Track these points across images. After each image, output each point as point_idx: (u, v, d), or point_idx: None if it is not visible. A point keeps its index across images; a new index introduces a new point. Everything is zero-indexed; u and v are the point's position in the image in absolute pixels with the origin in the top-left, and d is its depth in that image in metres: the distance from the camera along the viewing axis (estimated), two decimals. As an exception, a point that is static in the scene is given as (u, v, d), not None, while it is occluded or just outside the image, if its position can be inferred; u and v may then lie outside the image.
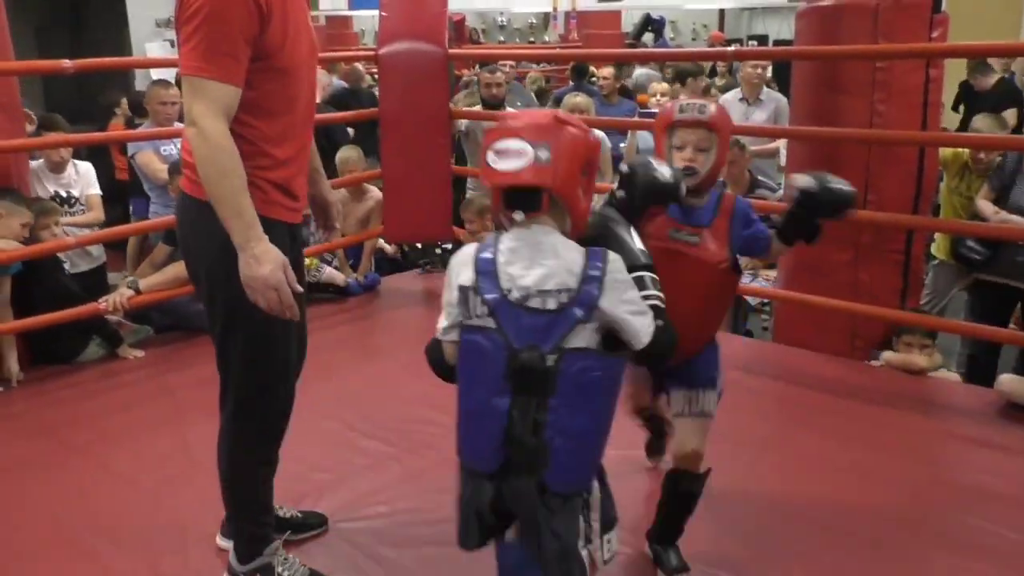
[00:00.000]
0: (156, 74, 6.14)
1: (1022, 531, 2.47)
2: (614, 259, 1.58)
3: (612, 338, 1.58)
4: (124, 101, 6.33)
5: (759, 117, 5.46)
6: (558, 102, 6.91)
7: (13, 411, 3.37)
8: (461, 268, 1.63)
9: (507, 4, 10.43)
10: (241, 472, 2.15)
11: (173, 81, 4.90)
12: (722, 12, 16.21)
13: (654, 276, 1.65)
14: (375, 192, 4.94)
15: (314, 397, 3.37)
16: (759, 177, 4.73)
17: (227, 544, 2.27)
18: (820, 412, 3.25)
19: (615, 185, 1.88)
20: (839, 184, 2.04)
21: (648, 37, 13.09)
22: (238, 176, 1.82)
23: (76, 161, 4.64)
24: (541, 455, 1.55)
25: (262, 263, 1.81)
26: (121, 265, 5.53)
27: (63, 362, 3.75)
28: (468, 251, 1.64)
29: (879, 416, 3.19)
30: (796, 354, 3.78)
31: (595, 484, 1.64)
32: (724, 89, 6.96)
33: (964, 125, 6.48)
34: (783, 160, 5.14)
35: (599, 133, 5.48)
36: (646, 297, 1.61)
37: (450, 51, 4.68)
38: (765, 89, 5.66)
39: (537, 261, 1.55)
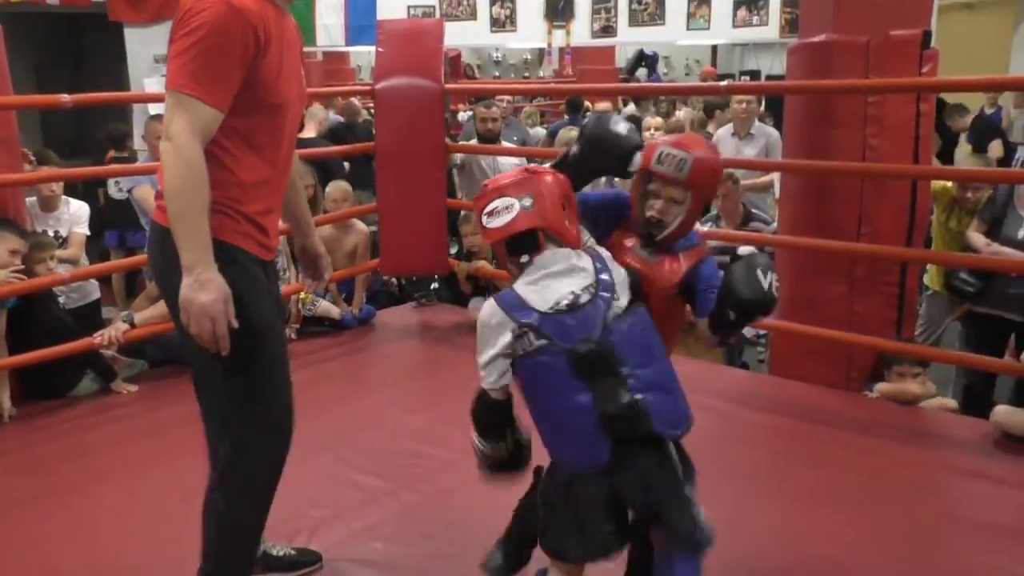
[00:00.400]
0: (154, 109, 6.19)
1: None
2: (606, 252, 1.87)
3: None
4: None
5: (750, 152, 5.50)
6: (553, 136, 6.97)
7: (5, 446, 3.34)
8: (498, 325, 1.77)
9: (502, 40, 10.53)
10: (239, 540, 2.06)
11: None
12: (715, 48, 16.39)
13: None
14: (360, 226, 4.97)
15: (308, 431, 3.35)
16: (753, 210, 4.75)
17: None
18: (817, 444, 3.24)
19: (574, 148, 1.99)
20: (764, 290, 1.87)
21: (642, 72, 13.21)
22: (201, 197, 1.79)
23: (70, 199, 4.65)
24: (642, 417, 1.71)
25: (206, 289, 1.77)
26: (113, 300, 5.53)
27: (56, 396, 3.73)
28: (491, 309, 1.78)
29: (876, 448, 3.18)
30: (792, 386, 3.78)
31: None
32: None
33: (943, 162, 6.52)
34: (777, 193, 5.17)
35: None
36: None
37: (446, 86, 4.73)
38: (756, 123, 5.71)
39: (557, 280, 1.77)
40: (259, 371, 1.97)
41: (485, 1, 9.52)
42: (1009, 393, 3.87)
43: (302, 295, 4.63)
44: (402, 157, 4.62)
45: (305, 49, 10.26)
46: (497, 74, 16.79)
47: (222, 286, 1.81)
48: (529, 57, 16.84)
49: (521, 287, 1.79)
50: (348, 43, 8.78)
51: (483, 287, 4.88)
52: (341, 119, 8.12)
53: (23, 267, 3.61)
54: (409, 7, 9.06)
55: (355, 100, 8.49)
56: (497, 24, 9.63)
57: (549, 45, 10.26)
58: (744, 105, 5.54)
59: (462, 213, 5.10)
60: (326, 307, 4.71)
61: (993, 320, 3.84)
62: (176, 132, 1.77)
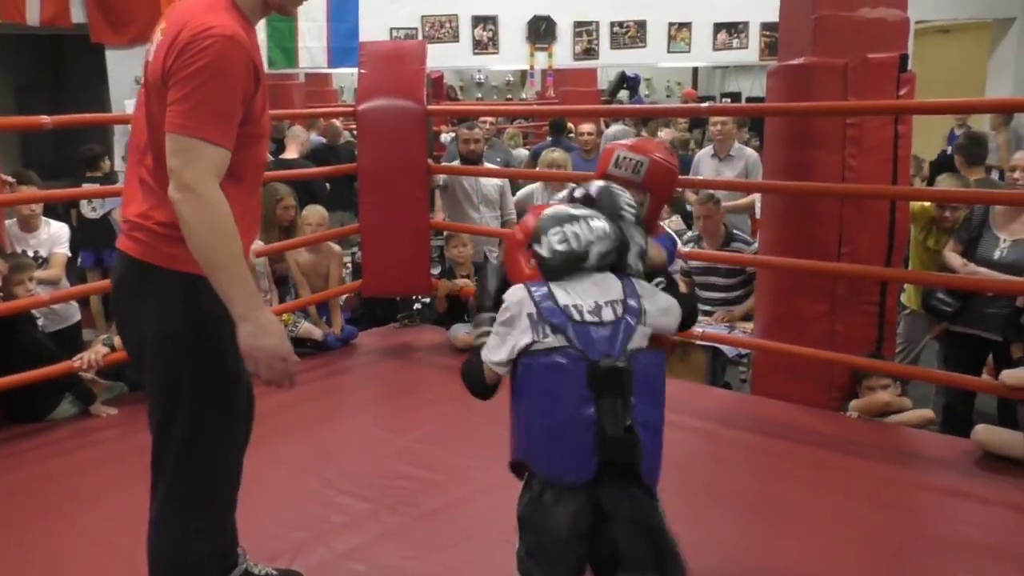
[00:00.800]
0: (135, 131, 6.17)
1: (1003, 582, 2.46)
2: (641, 281, 1.84)
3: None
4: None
5: (730, 173, 5.56)
6: (536, 157, 7.00)
7: (-18, 471, 3.30)
8: (522, 305, 1.77)
9: (485, 62, 10.59)
10: (204, 540, 1.99)
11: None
12: (695, 70, 16.55)
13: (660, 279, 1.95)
14: (335, 248, 4.97)
15: (291, 452, 3.34)
16: (734, 231, 4.79)
17: None
18: (798, 464, 3.24)
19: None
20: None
21: (624, 94, 13.32)
22: (237, 243, 1.74)
23: (50, 220, 4.63)
24: (636, 450, 1.71)
25: (269, 333, 1.74)
26: (94, 321, 5.49)
27: (34, 420, 3.69)
28: (520, 292, 1.79)
29: (857, 467, 3.19)
30: (774, 406, 3.79)
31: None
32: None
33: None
34: (759, 214, 5.21)
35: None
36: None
37: (428, 107, 4.75)
38: (736, 145, 5.77)
39: (588, 288, 1.77)
40: (232, 411, 1.95)
41: (468, 23, 9.58)
42: (989, 410, 3.91)
43: (284, 316, 4.61)
44: (385, 178, 4.63)
45: (287, 71, 10.32)
46: (480, 96, 16.87)
47: (280, 327, 1.79)
48: (511, 79, 16.94)
49: (555, 285, 1.77)
50: (330, 65, 8.80)
51: (463, 308, 4.87)
52: (323, 140, 8.14)
53: (1, 289, 3.58)
54: (392, 29, 9.09)
55: (336, 122, 8.51)
56: (479, 46, 9.68)
57: (531, 67, 10.31)
58: (720, 127, 5.60)
59: (444, 233, 5.11)
60: (308, 328, 4.69)
61: (971, 339, 3.87)
62: (195, 181, 1.69)
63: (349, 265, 5.95)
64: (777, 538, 2.72)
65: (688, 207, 5.75)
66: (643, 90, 14.47)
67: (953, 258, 3.85)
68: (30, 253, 4.40)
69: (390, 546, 2.66)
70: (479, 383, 1.88)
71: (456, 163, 5.62)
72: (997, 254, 3.72)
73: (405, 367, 4.64)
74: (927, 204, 4.13)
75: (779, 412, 3.72)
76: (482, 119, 6.26)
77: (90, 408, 3.79)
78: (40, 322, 4.14)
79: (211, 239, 1.71)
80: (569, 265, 1.79)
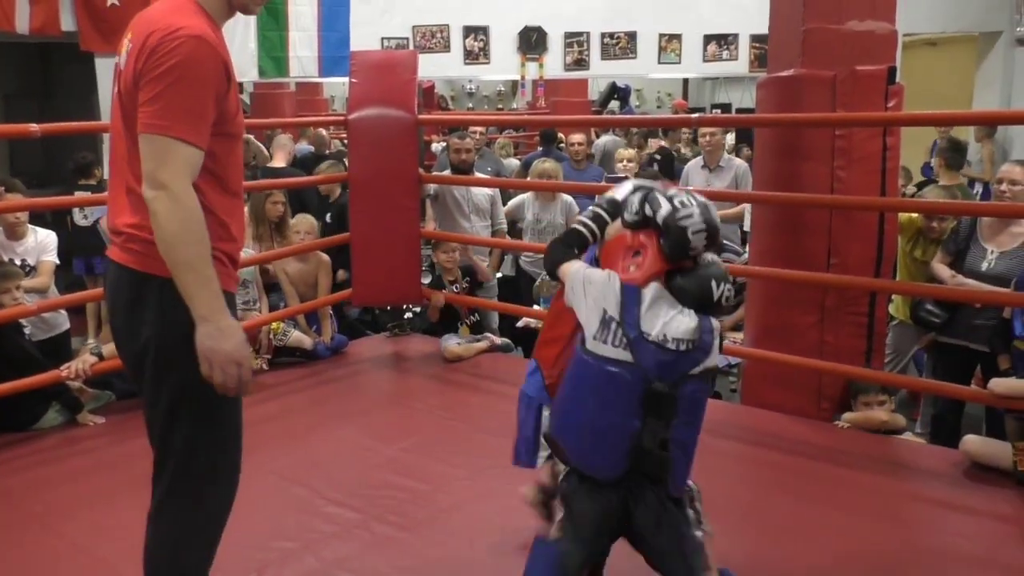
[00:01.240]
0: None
1: (991, 593, 2.47)
2: (716, 322, 1.94)
3: None
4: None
5: (719, 184, 5.57)
6: (527, 167, 7.01)
7: (-33, 480, 3.27)
8: (606, 293, 1.88)
9: (476, 72, 10.62)
10: (202, 546, 1.99)
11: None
12: (686, 81, 16.63)
13: None
14: (322, 256, 4.98)
15: (279, 462, 3.32)
16: (724, 242, 4.80)
17: None
18: (788, 474, 3.25)
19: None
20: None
21: (614, 104, 13.37)
22: (206, 245, 1.74)
23: (37, 228, 4.61)
24: (666, 466, 1.89)
25: (227, 337, 1.74)
26: (84, 330, 5.47)
27: (20, 429, 3.66)
28: (613, 283, 1.89)
29: (846, 477, 3.19)
30: (764, 416, 3.79)
31: (692, 484, 2.01)
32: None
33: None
34: (747, 224, 5.23)
35: (568, 197, 5.59)
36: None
37: (419, 117, 4.75)
38: (725, 155, 5.79)
39: (672, 313, 1.87)
40: (232, 420, 1.95)
41: (459, 33, 9.61)
42: (976, 422, 3.92)
43: (273, 325, 4.60)
44: (375, 187, 4.62)
45: (278, 80, 10.30)
46: (471, 105, 16.91)
47: (241, 331, 1.78)
48: (503, 89, 16.99)
49: (651, 293, 1.89)
50: (321, 74, 8.80)
51: (455, 317, 4.87)
52: (311, 149, 8.14)
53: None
54: (383, 39, 9.10)
55: (323, 131, 8.51)
56: (471, 56, 9.71)
57: (522, 77, 10.35)
58: (708, 138, 5.62)
59: (433, 241, 5.12)
60: (298, 337, 4.67)
61: (959, 350, 3.88)
62: (169, 179, 1.70)
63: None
64: (767, 548, 2.72)
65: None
66: (633, 101, 14.52)
67: (941, 269, 3.87)
68: (17, 262, 4.38)
69: (378, 556, 2.65)
70: (558, 259, 2.05)
71: (447, 172, 5.62)
72: (984, 266, 3.74)
73: (395, 377, 4.63)
74: (914, 215, 4.16)
75: (769, 422, 3.73)
76: (472, 129, 6.26)
77: (77, 417, 3.76)
78: (28, 331, 4.12)
79: (181, 237, 1.71)
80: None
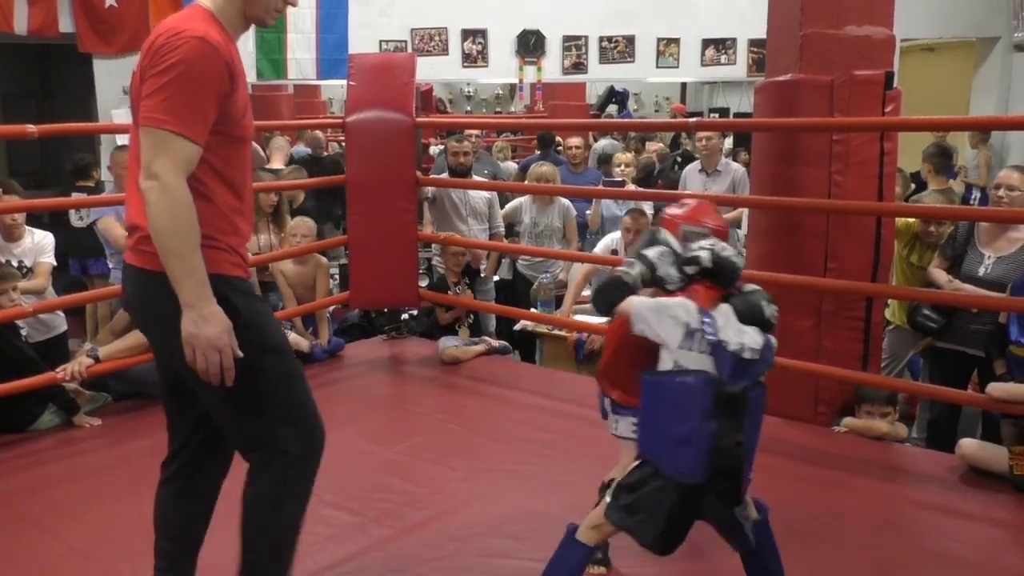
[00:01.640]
0: (121, 140, 6.16)
1: (988, 598, 2.47)
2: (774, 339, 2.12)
3: None
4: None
5: (717, 188, 5.58)
6: (524, 171, 7.02)
7: (-37, 482, 3.27)
8: (687, 313, 2.06)
9: (474, 75, 10.63)
10: (292, 527, 2.09)
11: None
12: (684, 85, 16.66)
13: None
14: (320, 258, 4.98)
15: (276, 466, 3.32)
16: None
17: None
18: (785, 478, 3.24)
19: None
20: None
21: (612, 108, 13.38)
22: (195, 234, 1.81)
23: (34, 230, 4.60)
24: (742, 460, 2.06)
25: (210, 323, 1.81)
26: (82, 331, 5.46)
27: (16, 431, 3.65)
28: (689, 304, 2.07)
29: (843, 482, 3.20)
30: (761, 420, 3.79)
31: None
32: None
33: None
34: (744, 228, 5.23)
35: (565, 201, 5.59)
36: None
37: (417, 120, 4.75)
38: (723, 160, 5.79)
39: (744, 329, 2.06)
40: (292, 383, 2.02)
41: (457, 37, 9.62)
42: (974, 426, 3.93)
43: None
44: (373, 190, 4.62)
45: (276, 82, 10.31)
46: (469, 108, 16.91)
47: (224, 318, 1.84)
48: (501, 92, 16.99)
49: (721, 316, 2.07)
50: (319, 77, 8.81)
51: (453, 320, 4.87)
52: (308, 150, 8.14)
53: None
54: (381, 42, 9.12)
55: (319, 133, 8.52)
56: (469, 59, 9.72)
57: (520, 81, 10.36)
58: (705, 142, 5.62)
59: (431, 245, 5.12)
60: (294, 339, 4.67)
61: (956, 355, 3.89)
62: (161, 170, 1.77)
63: (336, 276, 5.95)
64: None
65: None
66: (631, 104, 14.54)
67: (939, 275, 3.87)
68: (14, 263, 4.37)
69: (375, 559, 2.65)
70: (614, 299, 2.19)
71: (445, 175, 5.62)
72: (982, 271, 3.74)
73: (392, 380, 4.63)
74: (911, 220, 4.16)
75: (766, 426, 3.71)
76: (467, 132, 6.26)
77: (73, 419, 3.76)
78: (25, 332, 4.11)
79: (171, 227, 1.78)
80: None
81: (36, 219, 5.00)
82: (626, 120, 11.35)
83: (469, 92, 17.02)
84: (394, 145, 4.63)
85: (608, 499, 2.19)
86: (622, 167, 6.19)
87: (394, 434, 3.73)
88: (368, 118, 4.63)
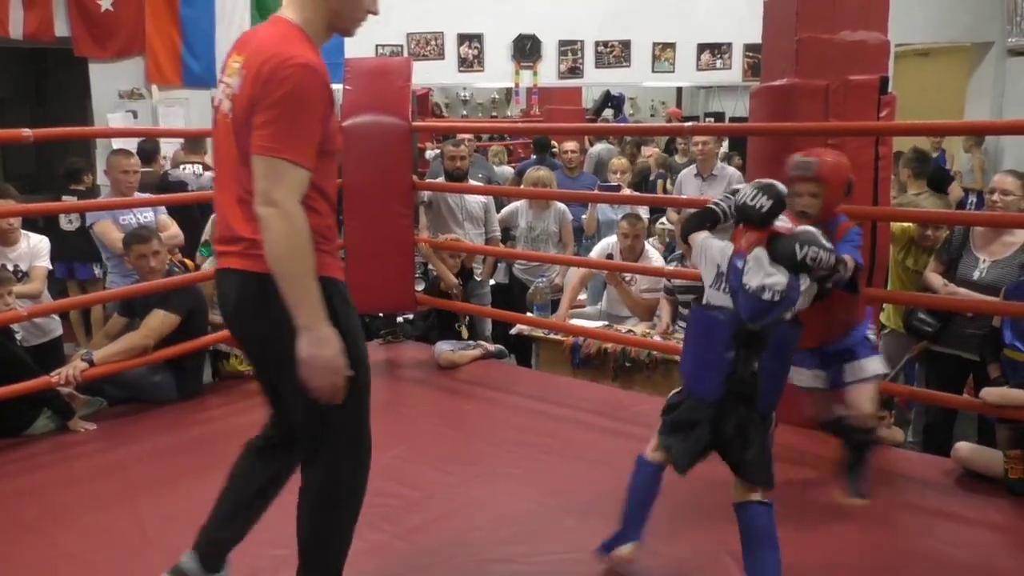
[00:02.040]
0: (117, 144, 6.16)
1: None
2: (805, 279, 2.35)
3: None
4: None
5: (712, 192, 5.58)
6: (520, 175, 7.03)
7: (-43, 487, 3.25)
8: (721, 256, 2.43)
9: (470, 80, 10.64)
10: (349, 519, 2.21)
11: (133, 150, 4.91)
12: (679, 90, 16.67)
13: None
14: None
15: (272, 470, 3.31)
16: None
17: None
18: (781, 481, 3.23)
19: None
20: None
21: (608, 113, 13.39)
22: (310, 259, 1.91)
23: (29, 234, 4.60)
24: (755, 388, 2.35)
25: (326, 345, 1.91)
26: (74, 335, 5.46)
27: (11, 435, 3.64)
28: (726, 250, 2.41)
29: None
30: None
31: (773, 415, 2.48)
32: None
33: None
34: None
35: (561, 205, 5.60)
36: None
37: (414, 124, 4.75)
38: (719, 164, 5.80)
39: (771, 271, 2.29)
40: (366, 395, 2.14)
41: (453, 41, 9.62)
42: (969, 430, 3.94)
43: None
44: (369, 194, 4.62)
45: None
46: (465, 113, 16.91)
47: (337, 341, 1.94)
48: (497, 96, 16.99)
49: (752, 259, 2.33)
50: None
51: (450, 321, 4.87)
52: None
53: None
54: (377, 46, 9.12)
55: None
56: (465, 64, 9.73)
57: (516, 85, 10.36)
58: (701, 146, 5.63)
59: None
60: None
61: (951, 359, 3.90)
62: (281, 198, 1.88)
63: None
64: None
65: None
66: (627, 109, 14.55)
67: (934, 279, 3.88)
68: (9, 267, 4.36)
69: (370, 564, 2.64)
70: (697, 222, 2.59)
71: (441, 179, 5.63)
72: (976, 274, 3.75)
73: (388, 383, 4.62)
74: (907, 224, 4.17)
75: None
76: (459, 136, 6.26)
77: (68, 423, 3.75)
78: (20, 336, 4.11)
79: (291, 252, 1.89)
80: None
81: (31, 223, 5.00)
82: (622, 124, 11.36)
83: (465, 96, 17.02)
84: (390, 149, 4.63)
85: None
86: (618, 174, 6.19)
87: (390, 438, 3.72)
88: (364, 122, 4.63)
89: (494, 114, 16.94)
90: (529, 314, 5.13)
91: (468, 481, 3.22)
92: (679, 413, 2.47)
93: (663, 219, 6.64)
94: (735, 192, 2.52)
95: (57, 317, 4.63)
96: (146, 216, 4.87)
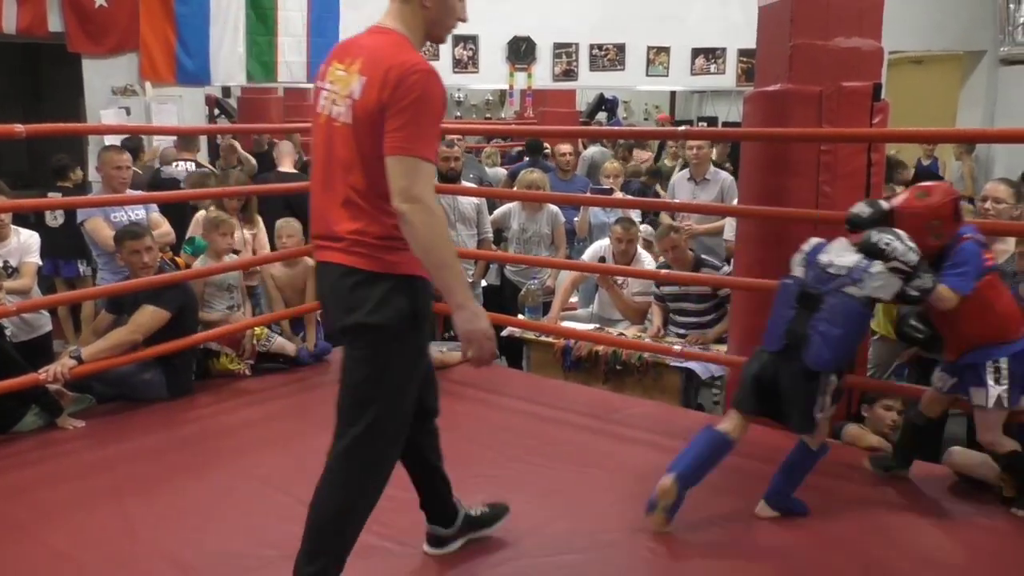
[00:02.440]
0: (109, 140, 6.14)
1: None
2: (877, 264, 2.77)
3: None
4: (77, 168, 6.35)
5: (705, 196, 5.60)
6: (513, 177, 7.02)
7: (-57, 483, 3.23)
8: (808, 246, 3.00)
9: (465, 81, 10.63)
10: (368, 507, 2.32)
11: (121, 145, 4.89)
12: (673, 94, 16.71)
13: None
14: (310, 261, 4.95)
15: (262, 468, 3.31)
16: (703, 256, 4.81)
17: None
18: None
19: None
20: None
21: (602, 116, 13.42)
22: (453, 245, 2.14)
23: (20, 229, 4.58)
24: (804, 341, 2.78)
25: (481, 319, 2.12)
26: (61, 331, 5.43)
27: (-1, 432, 3.63)
28: (812, 241, 3.02)
29: (830, 488, 3.19)
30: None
31: (833, 378, 2.83)
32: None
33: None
34: (727, 234, 5.25)
35: (554, 208, 5.60)
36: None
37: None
38: (711, 168, 5.81)
39: (843, 253, 2.86)
40: (414, 390, 2.30)
41: (448, 42, 9.61)
42: (960, 435, 3.94)
43: (257, 330, 4.58)
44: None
45: (266, 85, 10.26)
46: (459, 114, 16.92)
47: (485, 313, 2.17)
48: (491, 98, 17.01)
49: (832, 247, 2.94)
50: (310, 80, 8.78)
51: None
52: (305, 156, 8.10)
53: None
54: (372, 47, 9.11)
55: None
56: (459, 65, 9.72)
57: (511, 87, 10.36)
58: (695, 151, 5.64)
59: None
60: (281, 343, 4.66)
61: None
62: (421, 194, 2.05)
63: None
64: (748, 556, 2.73)
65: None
66: (621, 112, 14.59)
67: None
68: (-1, 263, 4.35)
69: (359, 565, 2.63)
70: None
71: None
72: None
73: (379, 384, 4.61)
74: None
75: (751, 433, 3.72)
76: (448, 137, 6.25)
77: (56, 420, 3.73)
78: (9, 332, 4.09)
79: (437, 241, 2.07)
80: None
81: (22, 219, 4.97)
82: (615, 127, 11.39)
83: (460, 98, 17.03)
84: (384, 149, 4.61)
85: None
86: (611, 178, 6.19)
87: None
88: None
89: (488, 115, 16.96)
90: (520, 316, 5.13)
91: (457, 483, 3.20)
92: (747, 363, 2.99)
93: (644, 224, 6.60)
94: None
95: (46, 313, 4.60)
96: (137, 214, 4.86)
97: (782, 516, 2.99)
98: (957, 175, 8.20)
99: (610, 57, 10.08)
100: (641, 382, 4.53)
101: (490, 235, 5.59)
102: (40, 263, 4.62)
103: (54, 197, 5.87)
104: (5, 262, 4.41)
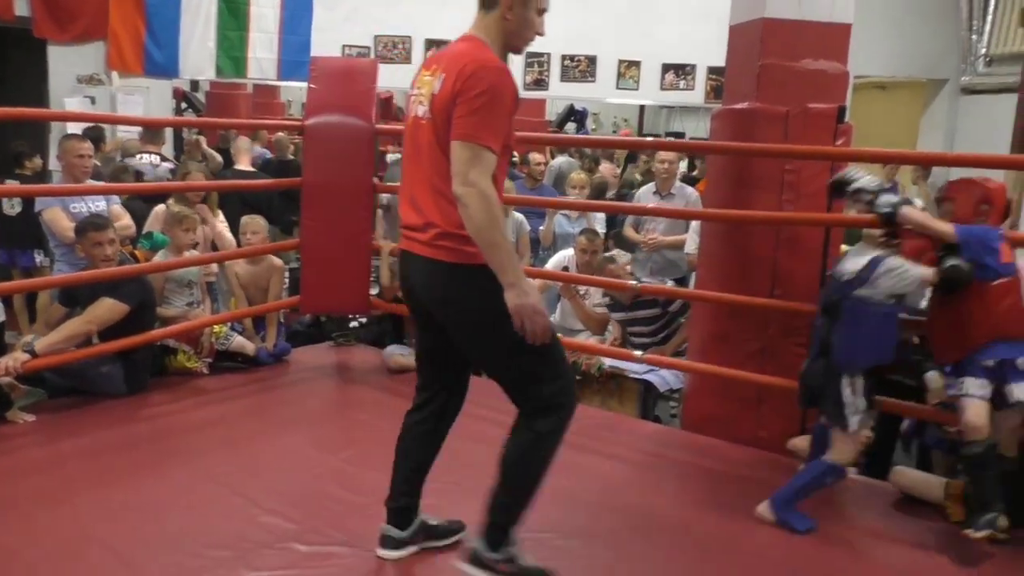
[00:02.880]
0: (72, 128, 6.04)
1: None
2: (888, 260, 2.97)
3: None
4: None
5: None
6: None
7: None
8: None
9: (435, 85, 10.63)
10: (546, 471, 2.46)
11: (83, 134, 4.83)
12: (642, 108, 16.86)
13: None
14: (275, 260, 4.93)
15: (218, 468, 3.27)
16: (643, 279, 4.82)
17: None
18: (725, 497, 3.27)
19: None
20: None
21: (571, 127, 13.48)
22: (505, 227, 2.25)
23: None
24: (830, 345, 3.02)
25: (531, 294, 2.23)
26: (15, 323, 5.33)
27: (-54, 423, 3.55)
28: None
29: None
30: (702, 441, 3.83)
31: (860, 379, 2.98)
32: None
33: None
34: (688, 248, 5.29)
35: (519, 216, 5.61)
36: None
37: (376, 127, 4.74)
38: (677, 183, 5.86)
39: (854, 259, 3.04)
40: (550, 350, 2.37)
41: (421, 46, 9.62)
42: (906, 457, 4.01)
43: (215, 328, 4.53)
44: (328, 195, 4.59)
45: (236, 80, 10.16)
46: (428, 118, 16.92)
47: (537, 290, 2.28)
48: (461, 104, 17.01)
49: (854, 255, 3.09)
50: (280, 77, 8.74)
51: (403, 326, 4.85)
52: (269, 154, 8.05)
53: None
54: (344, 46, 9.07)
55: (283, 135, 8.44)
56: (431, 71, 9.73)
57: (482, 94, 10.38)
58: (666, 165, 5.69)
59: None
60: (240, 342, 4.61)
61: (892, 385, 3.96)
62: (477, 178, 2.19)
63: (287, 281, 5.89)
64: (698, 570, 2.75)
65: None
66: (590, 124, 14.67)
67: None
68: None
69: (313, 568, 2.62)
70: None
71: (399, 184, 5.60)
72: (924, 302, 3.83)
73: (339, 386, 4.59)
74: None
75: (707, 447, 3.77)
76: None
77: (7, 414, 3.65)
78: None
79: (489, 223, 2.19)
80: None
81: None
82: (584, 137, 11.44)
83: (429, 102, 17.02)
84: (352, 150, 4.61)
85: None
86: (577, 189, 6.22)
87: (339, 441, 3.70)
88: (327, 122, 4.60)
89: (458, 121, 16.94)
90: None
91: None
92: (806, 364, 3.18)
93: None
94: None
95: (0, 303, 4.51)
96: (98, 205, 4.78)
97: (734, 530, 3.02)
98: (916, 200, 8.36)
99: (581, 68, 10.15)
100: (600, 392, 4.55)
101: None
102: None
103: (11, 185, 5.75)
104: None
